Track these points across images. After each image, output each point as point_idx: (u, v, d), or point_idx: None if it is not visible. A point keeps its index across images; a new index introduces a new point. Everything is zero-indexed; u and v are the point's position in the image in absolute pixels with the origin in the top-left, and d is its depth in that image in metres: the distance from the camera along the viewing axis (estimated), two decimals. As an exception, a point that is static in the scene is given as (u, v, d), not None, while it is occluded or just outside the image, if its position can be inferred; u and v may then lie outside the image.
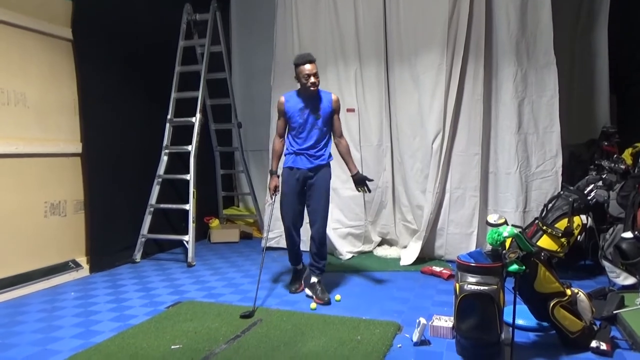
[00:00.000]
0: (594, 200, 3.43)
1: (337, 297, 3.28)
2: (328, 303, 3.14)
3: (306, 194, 3.27)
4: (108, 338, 2.59)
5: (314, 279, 3.30)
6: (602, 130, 4.50)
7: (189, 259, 4.23)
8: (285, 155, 3.29)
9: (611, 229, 3.27)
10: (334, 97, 3.27)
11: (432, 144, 4.15)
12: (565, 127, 4.04)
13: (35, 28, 3.61)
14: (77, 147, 3.96)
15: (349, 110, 4.48)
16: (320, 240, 3.28)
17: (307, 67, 3.09)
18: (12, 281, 3.39)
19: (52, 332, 2.72)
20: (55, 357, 2.37)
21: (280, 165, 3.35)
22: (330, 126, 3.28)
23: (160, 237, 4.52)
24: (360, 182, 3.36)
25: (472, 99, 4.10)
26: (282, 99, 3.23)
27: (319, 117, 3.19)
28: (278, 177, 3.32)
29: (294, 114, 3.18)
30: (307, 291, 3.33)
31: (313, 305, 3.11)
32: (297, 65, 3.13)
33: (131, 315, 2.97)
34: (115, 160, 4.18)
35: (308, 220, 3.33)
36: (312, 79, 3.10)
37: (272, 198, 3.34)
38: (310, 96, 3.17)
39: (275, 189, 3.29)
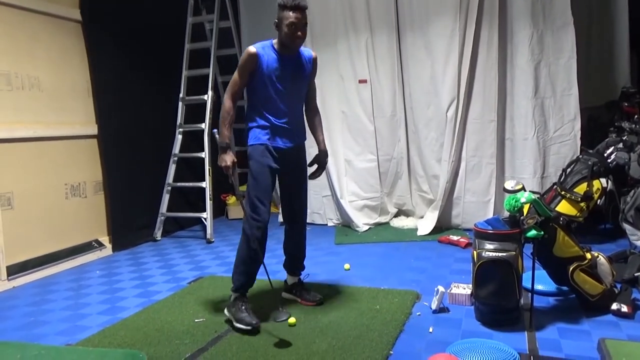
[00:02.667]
0: (614, 162, 3.37)
1: (347, 266, 3.31)
2: (321, 302, 2.67)
3: (281, 182, 2.61)
4: (134, 313, 2.67)
5: (294, 279, 2.77)
6: (622, 90, 4.38)
7: (208, 236, 4.30)
8: (253, 128, 2.46)
9: (632, 192, 3.21)
10: (314, 54, 2.59)
11: (447, 112, 4.10)
12: (583, 89, 3.95)
13: (43, 10, 3.60)
14: (93, 129, 4.00)
15: (361, 81, 4.43)
16: (304, 239, 2.72)
17: (293, 15, 2.30)
18: (39, 261, 3.50)
19: (80, 309, 2.81)
20: (85, 333, 2.45)
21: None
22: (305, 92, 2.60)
23: (179, 215, 4.59)
24: (322, 164, 2.68)
25: (487, 65, 4.01)
26: (253, 50, 2.35)
27: (302, 81, 2.52)
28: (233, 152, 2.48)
29: (271, 75, 2.38)
30: (289, 295, 2.75)
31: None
32: (283, 6, 2.32)
33: (155, 291, 3.05)
34: (131, 140, 4.22)
35: (283, 217, 2.75)
36: (299, 32, 2.34)
37: (230, 180, 2.45)
38: (291, 52, 2.44)
39: (234, 165, 2.41)
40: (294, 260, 2.75)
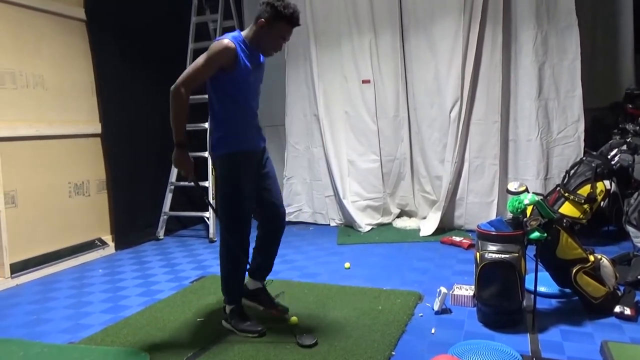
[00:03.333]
0: (618, 164, 3.36)
1: (347, 264, 3.34)
2: (286, 312, 2.50)
3: (259, 185, 2.38)
4: (137, 312, 2.68)
5: (258, 284, 2.51)
6: (626, 92, 4.36)
7: (210, 235, 4.30)
8: (227, 134, 2.26)
9: (636, 194, 3.20)
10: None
11: (450, 112, 4.09)
12: (587, 91, 3.93)
13: (47, 9, 3.62)
14: (97, 128, 4.01)
15: (364, 81, 4.43)
16: (281, 236, 2.52)
17: (289, 30, 2.22)
18: (42, 259, 3.51)
19: (83, 308, 2.82)
20: (88, 331, 2.46)
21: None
22: None
23: (181, 214, 4.60)
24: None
25: (491, 65, 4.00)
26: (232, 45, 2.12)
27: (261, 80, 2.38)
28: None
29: (246, 70, 2.19)
30: (251, 303, 2.48)
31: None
32: (285, 19, 2.15)
33: (157, 290, 3.06)
34: (134, 139, 4.23)
35: (262, 220, 2.49)
36: (280, 48, 2.28)
37: (192, 182, 2.35)
38: (256, 51, 2.27)
39: (191, 169, 2.26)
40: (268, 263, 2.52)
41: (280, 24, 2.17)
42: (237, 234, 2.29)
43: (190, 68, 2.17)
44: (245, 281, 2.48)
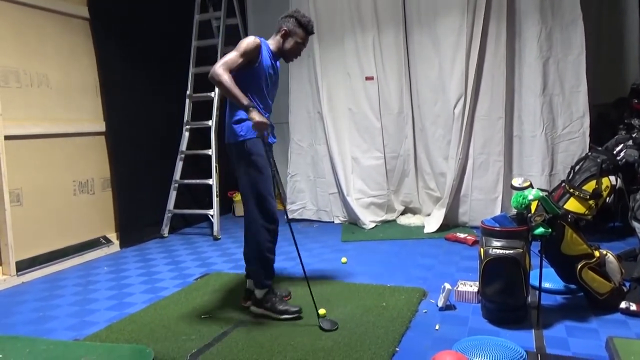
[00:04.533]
0: (624, 160, 3.34)
1: (344, 259, 3.38)
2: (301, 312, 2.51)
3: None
4: (141, 309, 2.69)
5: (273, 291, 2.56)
6: (632, 87, 4.32)
7: (215, 233, 4.31)
8: (245, 120, 2.39)
9: (642, 190, 3.18)
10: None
11: (454, 109, 4.08)
12: (592, 86, 3.91)
13: (51, 8, 3.63)
14: (101, 126, 4.02)
15: (367, 78, 4.42)
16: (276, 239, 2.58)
17: (306, 38, 2.56)
18: (48, 257, 3.53)
19: (88, 305, 2.83)
20: (93, 328, 2.47)
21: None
22: None
23: (186, 212, 4.61)
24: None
25: (495, 61, 3.98)
26: (259, 41, 2.41)
27: (277, 85, 2.64)
28: None
29: (267, 69, 2.46)
30: (255, 309, 2.53)
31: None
32: (304, 27, 2.51)
33: (162, 288, 3.07)
34: (139, 137, 4.24)
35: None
36: (300, 54, 2.61)
37: (265, 141, 2.39)
38: (278, 59, 2.59)
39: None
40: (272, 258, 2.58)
41: (298, 30, 2.51)
42: (267, 213, 2.43)
43: (224, 57, 2.35)
44: (248, 285, 2.62)
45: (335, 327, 2.30)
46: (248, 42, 2.37)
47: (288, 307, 2.47)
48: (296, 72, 4.70)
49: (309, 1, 4.46)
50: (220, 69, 2.29)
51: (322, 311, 2.43)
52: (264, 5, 5.63)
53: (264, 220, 2.43)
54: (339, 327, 2.32)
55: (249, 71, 2.38)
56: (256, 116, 2.26)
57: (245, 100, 2.28)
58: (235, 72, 2.33)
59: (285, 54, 2.56)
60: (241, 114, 2.39)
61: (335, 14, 4.44)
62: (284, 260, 3.42)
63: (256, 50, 2.38)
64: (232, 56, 2.34)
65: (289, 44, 2.52)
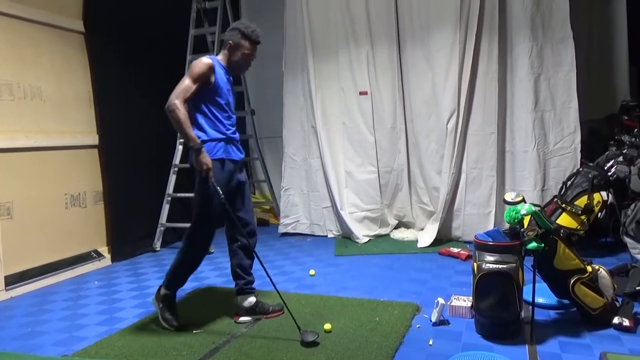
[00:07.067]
0: (615, 176, 3.37)
1: (312, 272, 3.40)
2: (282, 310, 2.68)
3: (237, 196, 2.62)
4: (132, 324, 2.66)
5: (252, 298, 2.67)
6: (622, 104, 4.40)
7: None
8: (208, 141, 2.44)
9: (633, 205, 3.21)
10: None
11: (447, 124, 4.11)
12: (583, 103, 3.96)
13: (46, 21, 3.64)
14: (94, 139, 4.01)
15: (361, 93, 4.45)
16: (254, 243, 2.70)
17: (253, 48, 2.55)
18: (38, 271, 3.48)
19: (78, 320, 2.79)
20: (82, 343, 2.43)
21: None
22: None
23: (178, 226, 4.56)
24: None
25: (487, 77, 4.03)
26: (210, 61, 2.43)
27: (233, 98, 2.66)
28: None
29: (222, 85, 2.50)
30: (245, 318, 2.64)
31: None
32: (247, 37, 2.50)
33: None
34: (132, 151, 4.22)
35: (236, 234, 2.65)
36: (250, 65, 2.64)
37: (211, 182, 2.41)
38: (229, 71, 2.61)
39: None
40: (248, 268, 2.71)
41: (243, 42, 2.52)
42: (205, 234, 2.58)
43: (178, 86, 2.40)
44: (240, 301, 2.67)
45: (316, 337, 2.30)
46: (199, 66, 2.41)
47: (170, 320, 2.56)
48: (290, 86, 4.73)
49: (303, 16, 4.50)
50: (177, 102, 2.34)
51: (327, 326, 2.43)
52: (259, 19, 5.68)
53: (205, 234, 2.57)
54: (333, 341, 2.30)
55: (207, 90, 2.44)
56: (203, 158, 2.37)
57: (193, 142, 2.37)
58: (191, 98, 2.40)
59: (234, 67, 2.59)
60: (202, 137, 2.45)
61: (329, 28, 4.49)
62: (276, 275, 3.41)
63: (209, 71, 2.42)
64: (186, 84, 2.39)
65: (236, 56, 2.54)
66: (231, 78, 2.63)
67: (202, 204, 2.50)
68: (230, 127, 2.55)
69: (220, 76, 2.49)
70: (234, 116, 2.61)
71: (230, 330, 2.51)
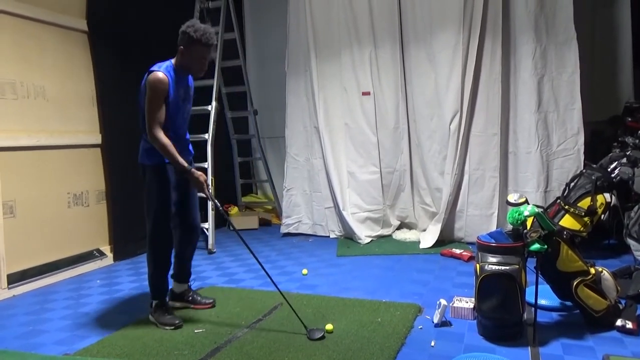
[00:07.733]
0: (618, 177, 3.35)
1: (304, 271, 3.42)
2: (214, 305, 2.84)
3: (179, 191, 2.70)
4: (133, 323, 2.65)
5: (183, 287, 2.86)
6: (626, 105, 4.37)
7: (210, 246, 4.28)
8: (153, 148, 2.55)
9: (636, 207, 3.19)
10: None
11: (450, 124, 4.10)
12: (586, 104, 3.94)
13: (50, 20, 3.64)
14: (97, 138, 4.02)
15: (364, 93, 4.45)
16: (198, 234, 2.85)
17: (206, 51, 2.55)
18: (40, 270, 3.49)
19: (80, 318, 2.79)
20: (84, 342, 2.43)
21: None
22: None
23: (180, 225, 4.57)
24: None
25: (490, 78, 4.02)
26: (166, 78, 2.45)
27: (189, 102, 2.70)
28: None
29: (177, 97, 2.56)
30: (177, 304, 2.82)
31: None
32: (198, 41, 2.49)
33: (155, 302, 3.03)
34: (135, 150, 4.20)
35: (180, 224, 2.79)
36: (205, 67, 2.60)
37: (207, 193, 2.60)
38: (185, 75, 2.64)
39: (205, 184, 2.58)
40: (188, 267, 2.88)
41: (195, 47, 2.50)
42: (162, 230, 2.65)
43: (147, 114, 2.46)
44: (172, 286, 2.82)
45: (322, 334, 2.36)
46: (158, 86, 2.43)
47: (169, 320, 2.58)
48: (293, 86, 4.73)
49: (306, 16, 4.50)
50: (157, 132, 2.44)
51: (329, 326, 2.44)
52: (262, 20, 5.70)
53: (159, 239, 2.66)
54: (335, 342, 2.30)
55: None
56: (197, 177, 2.52)
57: (181, 166, 2.49)
58: (165, 116, 2.47)
59: (188, 70, 2.59)
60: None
61: (332, 29, 4.49)
62: (277, 275, 3.40)
63: (165, 88, 2.45)
64: (154, 108, 2.44)
65: (188, 60, 2.53)
66: (190, 81, 2.68)
67: (154, 203, 2.63)
68: (179, 138, 2.64)
69: (172, 88, 2.50)
70: (185, 121, 2.69)
71: (232, 330, 2.51)
